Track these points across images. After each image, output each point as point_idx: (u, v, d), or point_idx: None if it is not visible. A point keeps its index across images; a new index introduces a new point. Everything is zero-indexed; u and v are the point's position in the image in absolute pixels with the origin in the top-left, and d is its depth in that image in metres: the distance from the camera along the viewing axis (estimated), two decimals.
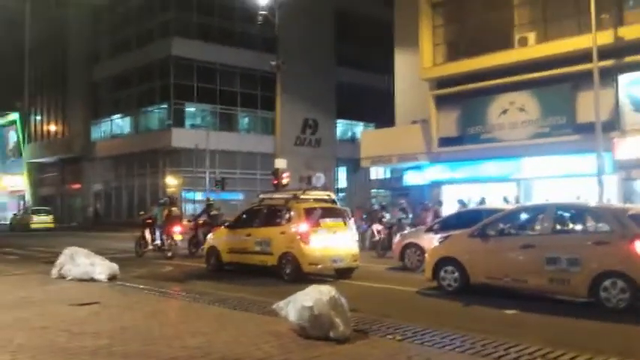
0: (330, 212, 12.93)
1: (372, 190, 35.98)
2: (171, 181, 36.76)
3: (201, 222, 18.49)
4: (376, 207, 22.55)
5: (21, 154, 56.40)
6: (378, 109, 37.90)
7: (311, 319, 6.18)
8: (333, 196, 14.32)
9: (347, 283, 11.71)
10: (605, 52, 18.23)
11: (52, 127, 50.73)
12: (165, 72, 38.75)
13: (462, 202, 19.03)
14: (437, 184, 24.22)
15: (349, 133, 46.94)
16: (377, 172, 35.82)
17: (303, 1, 36.56)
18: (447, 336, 6.50)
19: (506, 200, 18.83)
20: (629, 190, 19.46)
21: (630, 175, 19.39)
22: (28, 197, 54.20)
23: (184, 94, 38.59)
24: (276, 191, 20.16)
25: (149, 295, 9.69)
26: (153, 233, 17.88)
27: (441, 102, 24.49)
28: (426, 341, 6.31)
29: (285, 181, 24.30)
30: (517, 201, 19.57)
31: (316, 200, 13.38)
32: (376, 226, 19.44)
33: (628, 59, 19.16)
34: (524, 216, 10.54)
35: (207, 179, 35.17)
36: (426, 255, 11.42)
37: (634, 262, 8.37)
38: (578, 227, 9.78)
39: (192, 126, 39.42)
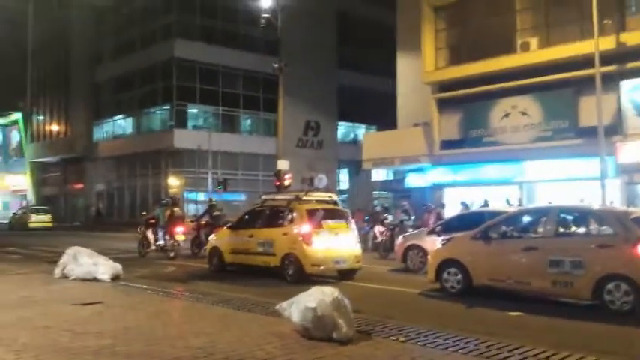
0: (333, 213, 12.94)
1: (374, 192, 35.93)
2: (174, 182, 36.79)
3: (203, 223, 18.52)
4: (379, 209, 22.56)
5: (23, 154, 56.48)
6: (379, 111, 37.94)
7: (314, 320, 6.17)
8: (335, 198, 14.33)
9: (350, 284, 11.70)
10: (607, 58, 18.21)
11: (55, 128, 50.83)
12: (167, 73, 38.78)
13: (464, 205, 19.08)
14: (439, 187, 24.23)
15: (351, 136, 46.92)
16: (378, 175, 35.78)
17: (305, 3, 36.71)
18: (450, 337, 6.49)
19: (508, 203, 18.86)
20: (632, 194, 19.48)
21: (633, 179, 19.40)
22: (30, 197, 54.23)
23: (187, 96, 38.63)
24: (279, 192, 20.19)
25: (152, 295, 9.68)
26: (155, 233, 17.89)
27: (443, 105, 24.51)
28: (429, 342, 6.30)
29: (287, 183, 24.37)
30: (520, 204, 19.57)
31: (318, 202, 13.40)
32: (378, 228, 19.43)
33: (630, 65, 19.16)
34: (527, 218, 10.55)
35: (210, 180, 35.20)
36: (429, 257, 11.43)
37: (637, 265, 8.39)
38: (581, 230, 9.76)
39: (195, 127, 39.42)
